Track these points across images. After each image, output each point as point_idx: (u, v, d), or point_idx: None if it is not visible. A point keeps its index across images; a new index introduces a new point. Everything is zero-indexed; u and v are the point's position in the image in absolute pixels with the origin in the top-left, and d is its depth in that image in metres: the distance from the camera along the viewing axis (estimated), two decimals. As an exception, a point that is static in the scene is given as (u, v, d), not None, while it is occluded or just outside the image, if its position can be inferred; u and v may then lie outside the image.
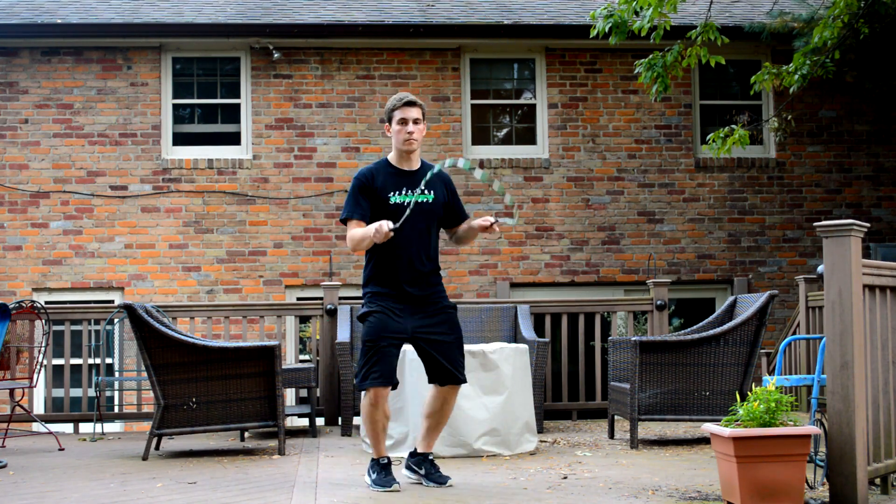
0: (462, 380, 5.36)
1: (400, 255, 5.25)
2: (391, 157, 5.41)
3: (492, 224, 5.22)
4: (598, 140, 11.74)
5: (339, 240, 11.40)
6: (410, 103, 5.31)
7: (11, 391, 7.27)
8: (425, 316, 5.29)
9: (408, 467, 5.49)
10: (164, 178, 11.33)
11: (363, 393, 5.25)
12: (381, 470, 5.25)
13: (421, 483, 5.38)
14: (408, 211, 5.15)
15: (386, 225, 5.04)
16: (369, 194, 5.30)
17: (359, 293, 11.27)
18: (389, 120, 5.35)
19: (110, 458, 6.68)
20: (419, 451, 5.47)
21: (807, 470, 4.80)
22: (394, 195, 5.29)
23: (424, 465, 5.41)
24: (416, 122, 5.31)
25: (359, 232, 5.22)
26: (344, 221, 5.32)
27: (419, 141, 5.34)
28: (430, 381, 5.39)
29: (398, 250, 5.24)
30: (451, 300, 5.48)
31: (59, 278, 11.18)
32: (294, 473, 5.80)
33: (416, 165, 5.39)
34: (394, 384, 5.25)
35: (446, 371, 5.30)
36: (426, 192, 5.31)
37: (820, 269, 7.30)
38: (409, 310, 5.27)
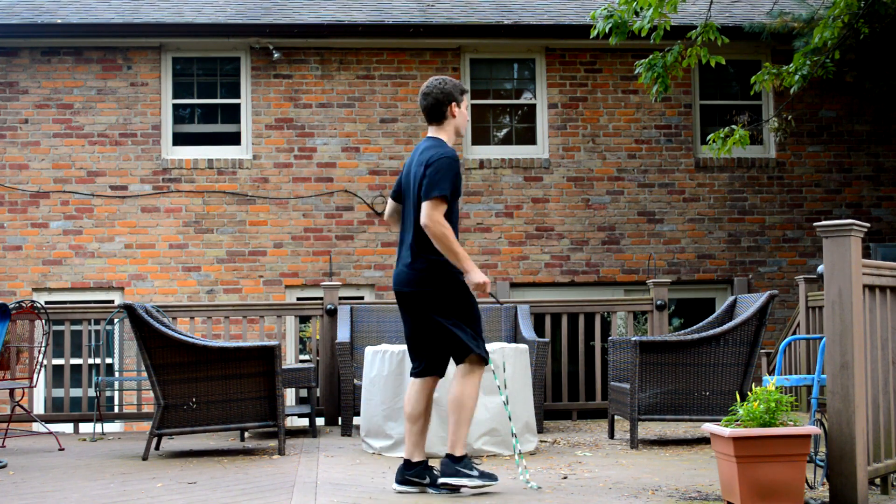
0: (437, 373, 5.22)
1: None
2: (445, 139, 5.19)
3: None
4: (598, 140, 11.74)
5: (339, 240, 11.40)
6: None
7: (11, 391, 7.27)
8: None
9: (405, 482, 5.15)
10: (164, 178, 11.33)
11: None
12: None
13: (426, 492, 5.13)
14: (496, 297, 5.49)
15: (490, 286, 5.00)
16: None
17: (358, 293, 11.39)
18: (457, 101, 5.16)
19: (110, 458, 6.68)
20: (416, 460, 5.15)
21: (807, 470, 4.79)
22: None
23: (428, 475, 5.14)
24: None
25: (457, 246, 4.95)
26: (440, 198, 4.94)
27: None
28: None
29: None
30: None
31: (59, 278, 11.17)
32: (294, 473, 5.80)
33: None
34: (421, 371, 5.17)
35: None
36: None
37: (820, 269, 7.31)
38: None
